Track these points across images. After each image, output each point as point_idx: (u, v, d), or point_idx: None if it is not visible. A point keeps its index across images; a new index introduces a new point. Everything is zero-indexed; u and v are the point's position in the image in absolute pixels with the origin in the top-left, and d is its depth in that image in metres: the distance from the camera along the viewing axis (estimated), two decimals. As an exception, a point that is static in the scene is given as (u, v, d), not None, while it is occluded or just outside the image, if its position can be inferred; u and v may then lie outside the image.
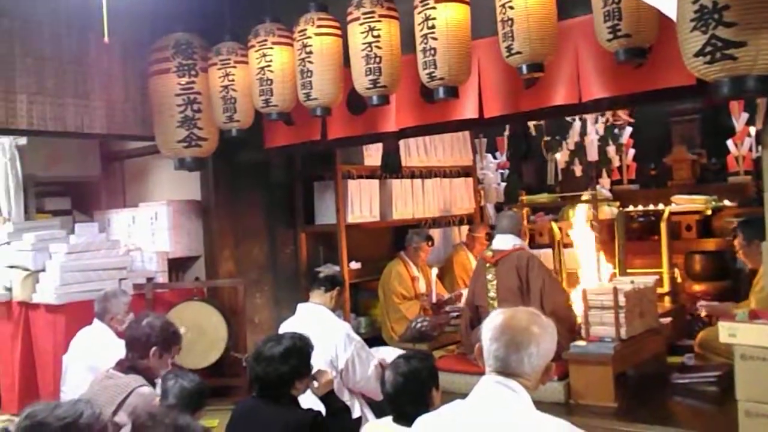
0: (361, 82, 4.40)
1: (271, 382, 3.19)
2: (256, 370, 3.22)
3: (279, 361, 3.19)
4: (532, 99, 4.40)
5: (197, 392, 3.44)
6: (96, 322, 4.82)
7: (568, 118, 7.95)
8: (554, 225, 6.89)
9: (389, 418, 2.94)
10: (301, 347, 3.29)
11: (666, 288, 6.25)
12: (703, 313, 5.58)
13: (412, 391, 2.78)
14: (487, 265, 5.10)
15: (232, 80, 4.99)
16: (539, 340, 2.13)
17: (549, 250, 6.85)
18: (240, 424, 3.16)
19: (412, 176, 7.09)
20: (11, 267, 5.82)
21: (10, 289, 5.79)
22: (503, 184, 8.48)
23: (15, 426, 2.23)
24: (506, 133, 8.06)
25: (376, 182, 6.70)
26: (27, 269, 5.66)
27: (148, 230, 6.22)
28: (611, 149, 8.38)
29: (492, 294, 5.00)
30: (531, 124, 7.55)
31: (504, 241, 5.12)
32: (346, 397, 4.30)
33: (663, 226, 6.55)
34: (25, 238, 5.77)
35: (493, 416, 2.07)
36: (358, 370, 4.28)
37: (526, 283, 4.88)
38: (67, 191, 7.11)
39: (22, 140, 6.29)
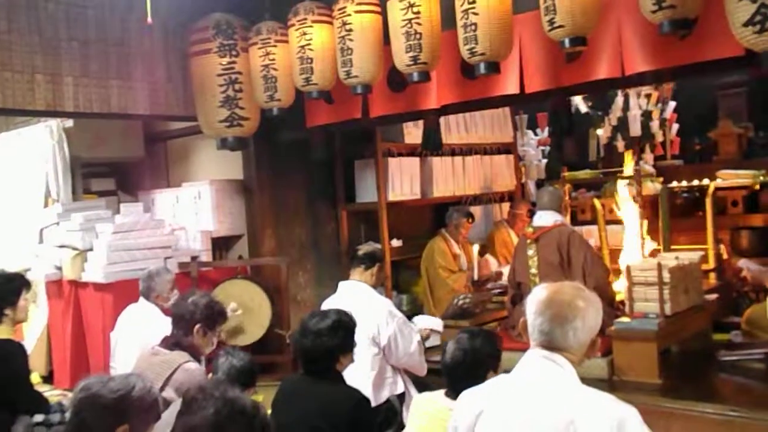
0: (401, 59, 4.39)
1: (316, 356, 3.20)
2: (303, 344, 3.23)
3: (325, 334, 3.20)
4: (574, 73, 4.35)
5: (247, 370, 3.48)
6: (142, 300, 4.92)
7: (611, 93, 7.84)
8: (596, 201, 6.81)
9: (441, 392, 2.95)
10: (346, 322, 3.31)
11: (711, 264, 6.14)
12: (743, 273, 5.46)
13: (469, 367, 2.76)
14: (528, 241, 5.08)
15: (273, 59, 5.01)
16: (584, 314, 2.12)
17: (591, 227, 6.79)
18: (286, 399, 3.19)
19: (453, 153, 7.06)
20: (61, 246, 5.96)
21: (60, 268, 5.94)
22: (544, 161, 8.40)
23: (71, 398, 2.30)
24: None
25: (416, 160, 6.69)
26: (76, 248, 5.79)
27: (192, 210, 6.31)
28: (654, 124, 8.22)
29: (533, 270, 4.98)
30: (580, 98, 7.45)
31: (545, 218, 5.09)
32: (388, 374, 4.34)
33: (708, 201, 6.43)
34: (73, 218, 5.90)
35: (538, 390, 2.07)
36: (400, 346, 4.31)
37: (567, 259, 4.84)
38: (112, 172, 7.25)
39: (69, 123, 6.41)
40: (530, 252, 5.03)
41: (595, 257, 5.03)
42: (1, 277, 4.21)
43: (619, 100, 7.93)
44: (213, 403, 1.94)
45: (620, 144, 8.27)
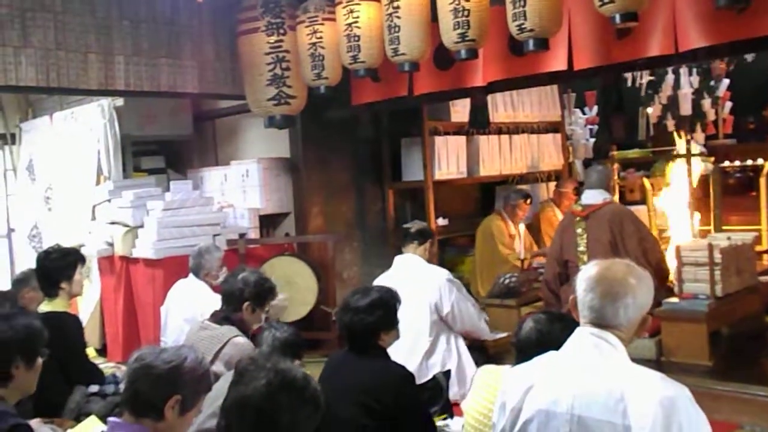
0: (449, 36, 4.36)
1: (357, 333, 3.22)
2: (344, 320, 3.26)
3: (363, 311, 3.22)
4: (624, 50, 4.28)
5: (291, 343, 3.49)
6: (191, 276, 4.99)
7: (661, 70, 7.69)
8: (646, 181, 6.72)
9: (507, 367, 2.94)
10: (387, 300, 3.31)
11: (765, 245, 6.03)
12: None
13: (540, 349, 2.73)
14: (577, 219, 5.03)
15: (320, 37, 5.02)
16: (636, 292, 2.09)
17: (639, 207, 6.69)
18: (332, 375, 3.22)
19: (500, 132, 7.01)
20: (112, 223, 6.08)
21: (111, 244, 6.06)
22: (592, 140, 8.29)
23: (126, 368, 2.35)
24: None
25: (463, 138, 6.66)
26: (127, 225, 5.90)
27: (240, 187, 6.38)
28: (706, 102, 8.05)
29: (581, 248, 4.93)
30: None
31: (594, 195, 5.04)
32: (442, 341, 4.39)
33: (762, 181, 6.31)
34: (124, 195, 6.01)
35: (588, 367, 2.06)
36: (464, 312, 4.40)
37: (620, 237, 4.78)
38: (161, 150, 7.35)
39: (119, 101, 6.51)
40: (579, 230, 4.98)
41: (649, 235, 4.99)
42: (57, 251, 4.30)
43: (670, 78, 7.78)
44: (265, 374, 1.97)
45: (670, 123, 8.12)
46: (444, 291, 4.39)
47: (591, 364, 2.06)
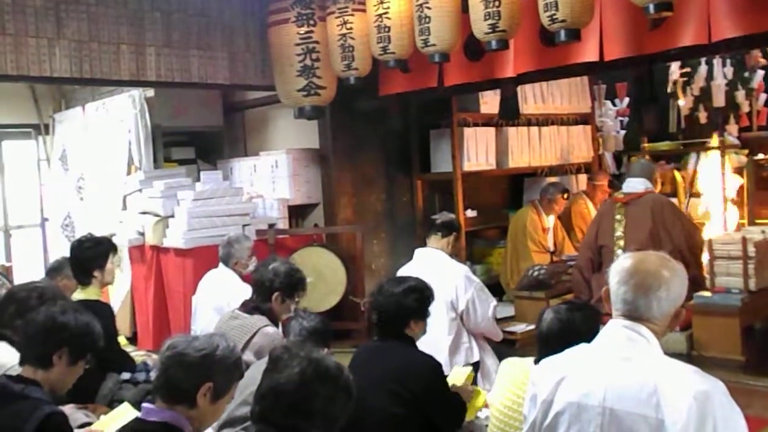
0: (479, 26, 4.33)
1: (388, 315, 3.23)
2: (376, 301, 3.27)
3: (398, 294, 3.24)
4: (657, 40, 4.23)
5: (319, 331, 3.50)
6: (221, 265, 5.03)
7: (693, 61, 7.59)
8: (677, 173, 6.64)
9: (531, 359, 2.94)
10: (422, 289, 3.33)
11: (799, 239, 5.93)
12: None
13: (563, 339, 2.72)
14: (617, 205, 5.00)
15: (350, 28, 5.02)
16: (669, 284, 2.07)
17: (670, 200, 6.62)
18: (363, 363, 3.23)
19: (529, 124, 6.96)
20: (143, 213, 6.14)
21: (142, 234, 6.12)
22: (622, 132, 8.21)
23: (158, 356, 2.38)
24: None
25: (492, 130, 6.62)
26: (157, 215, 5.96)
27: (269, 178, 6.41)
28: (740, 94, 7.93)
29: (618, 233, 4.89)
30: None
31: (636, 184, 5.02)
32: (464, 339, 4.36)
33: (799, 174, 6.20)
34: (155, 185, 6.07)
35: (621, 359, 2.04)
36: (479, 311, 4.34)
37: (662, 225, 4.74)
38: (191, 141, 7.41)
39: (150, 92, 6.56)
40: (618, 216, 4.95)
41: (692, 224, 4.95)
42: (89, 240, 4.35)
43: (703, 69, 7.68)
44: (298, 362, 1.99)
45: (702, 115, 8.02)
46: (460, 288, 4.33)
47: (623, 357, 2.04)
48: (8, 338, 3.21)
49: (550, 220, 6.37)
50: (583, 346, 2.20)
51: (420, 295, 3.29)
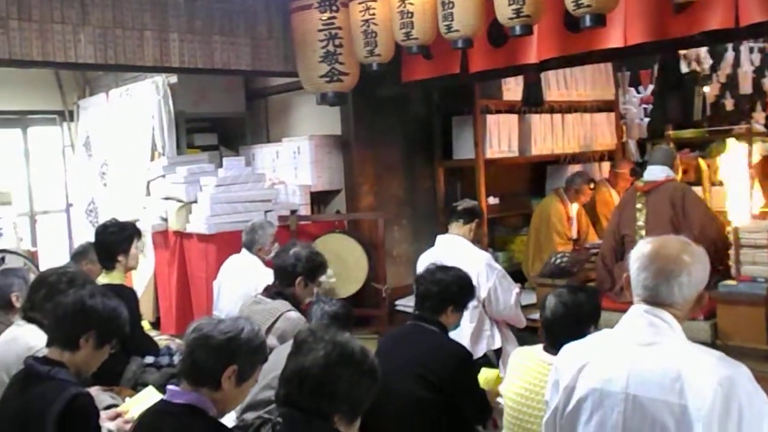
0: (503, 12, 4.29)
1: (431, 294, 3.24)
2: (424, 277, 3.33)
3: (449, 277, 3.26)
4: (682, 24, 4.16)
5: (340, 316, 3.51)
6: (244, 251, 5.06)
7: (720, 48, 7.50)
8: (701, 161, 6.57)
9: (539, 346, 2.94)
10: (469, 281, 3.41)
11: (826, 228, 5.84)
12: None
13: (570, 322, 2.72)
14: (638, 194, 4.96)
15: (373, 14, 4.99)
16: (691, 269, 2.05)
17: (694, 188, 6.54)
18: (392, 347, 3.23)
19: (552, 111, 6.91)
20: (166, 198, 6.18)
21: (165, 219, 6.17)
22: (646, 120, 8.14)
23: (184, 338, 2.40)
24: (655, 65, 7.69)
25: (515, 117, 6.59)
26: (180, 201, 6.00)
27: (291, 164, 6.43)
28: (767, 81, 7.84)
29: (640, 222, 4.86)
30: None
31: (656, 172, 4.95)
32: (486, 327, 4.36)
33: (825, 162, 6.11)
34: (178, 171, 6.11)
35: (643, 345, 2.03)
36: (501, 299, 4.33)
37: (682, 214, 4.70)
38: (214, 127, 7.43)
39: (173, 78, 6.59)
40: (639, 204, 4.91)
41: (711, 213, 4.89)
42: (114, 225, 4.38)
43: (729, 55, 7.59)
44: (323, 345, 2.00)
45: (728, 102, 7.94)
46: (482, 276, 4.32)
47: (646, 343, 2.03)
48: (38, 321, 3.25)
49: (573, 209, 6.33)
50: (604, 331, 2.19)
51: (466, 286, 3.32)
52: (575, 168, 7.19)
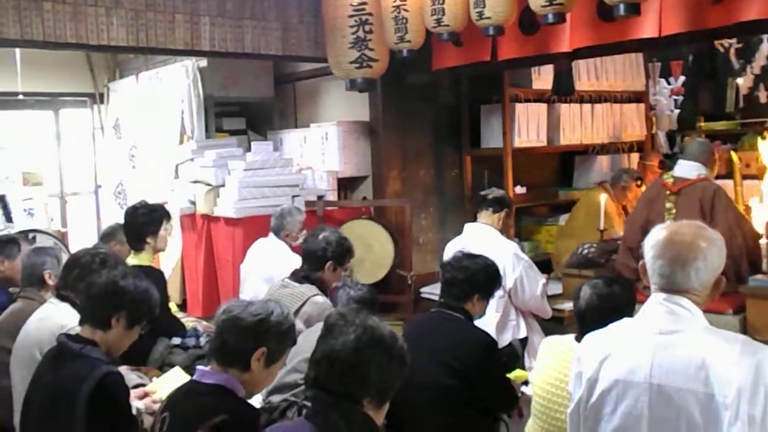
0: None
1: (456, 281, 3.24)
2: (451, 265, 3.32)
3: (476, 265, 3.26)
4: (719, 14, 4.10)
5: (366, 300, 3.51)
6: (272, 236, 5.08)
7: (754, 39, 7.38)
8: (733, 154, 6.48)
9: (571, 336, 2.92)
10: (496, 269, 3.39)
11: None
12: None
13: (603, 313, 2.69)
14: (668, 193, 4.87)
15: (404, 0, 4.98)
16: (706, 254, 2.02)
17: (726, 181, 6.46)
18: (417, 335, 3.24)
19: (581, 101, 6.86)
20: (195, 182, 6.22)
21: (193, 203, 6.21)
22: (677, 111, 8.05)
23: (214, 320, 2.42)
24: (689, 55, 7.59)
25: (544, 106, 6.54)
26: (209, 184, 6.03)
27: (319, 150, 6.43)
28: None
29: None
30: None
31: (687, 169, 4.83)
32: (512, 317, 4.35)
33: None
34: (206, 155, 6.14)
35: (665, 333, 2.01)
36: (527, 289, 4.31)
37: (710, 217, 4.60)
38: (242, 111, 7.46)
39: (203, 62, 6.62)
40: (668, 205, 4.81)
41: (741, 217, 4.78)
42: (144, 207, 4.41)
43: (765, 47, 7.47)
44: (354, 329, 2.00)
45: (762, 94, 7.82)
46: (508, 266, 4.30)
47: (667, 331, 2.01)
48: (71, 300, 3.29)
49: (602, 198, 6.25)
50: (625, 321, 2.18)
51: (493, 275, 3.32)
52: (603, 159, 7.13)
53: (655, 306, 2.06)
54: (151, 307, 2.83)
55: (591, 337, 2.23)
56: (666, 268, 2.03)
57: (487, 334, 3.24)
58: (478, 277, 3.28)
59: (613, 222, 6.14)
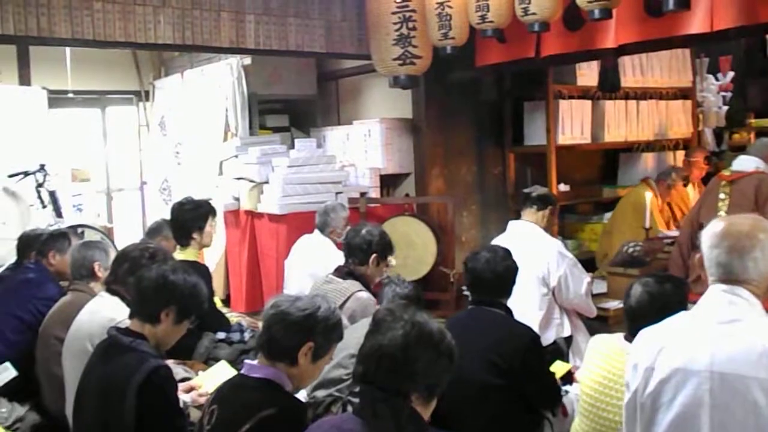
0: (582, -6, 4.22)
1: (485, 281, 3.23)
2: (472, 264, 3.29)
3: (496, 261, 3.24)
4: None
5: (411, 298, 3.50)
6: (316, 232, 5.11)
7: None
8: (784, 152, 6.34)
9: (620, 335, 2.89)
10: (516, 268, 3.34)
11: None
12: None
13: (654, 312, 2.65)
14: (722, 183, 4.82)
15: (448, -4, 4.96)
16: (764, 245, 2.02)
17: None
18: (460, 333, 3.23)
19: (627, 97, 6.77)
20: (239, 178, 6.28)
21: (237, 199, 6.27)
22: (725, 108, 7.89)
23: (262, 315, 2.44)
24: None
25: (588, 103, 6.47)
26: (252, 181, 6.09)
27: (362, 147, 6.45)
28: None
29: (721, 213, 4.72)
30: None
31: (745, 162, 4.81)
32: (556, 315, 4.31)
33: None
34: (250, 152, 6.19)
35: (724, 324, 2.00)
36: (571, 287, 4.27)
37: (762, 205, 4.55)
38: (285, 109, 7.51)
39: (247, 60, 6.68)
40: (722, 194, 4.78)
41: None
42: (190, 203, 4.47)
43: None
44: (402, 325, 2.01)
45: (815, 90, 7.63)
46: (552, 264, 4.28)
47: (727, 320, 2.01)
48: (120, 294, 3.35)
49: (647, 195, 6.18)
50: (682, 314, 2.17)
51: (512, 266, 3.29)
52: (649, 156, 7.04)
53: (714, 297, 2.07)
54: (200, 302, 2.85)
55: (647, 330, 2.22)
56: (724, 256, 2.05)
57: (531, 329, 3.21)
58: (506, 266, 3.27)
59: (655, 220, 6.06)
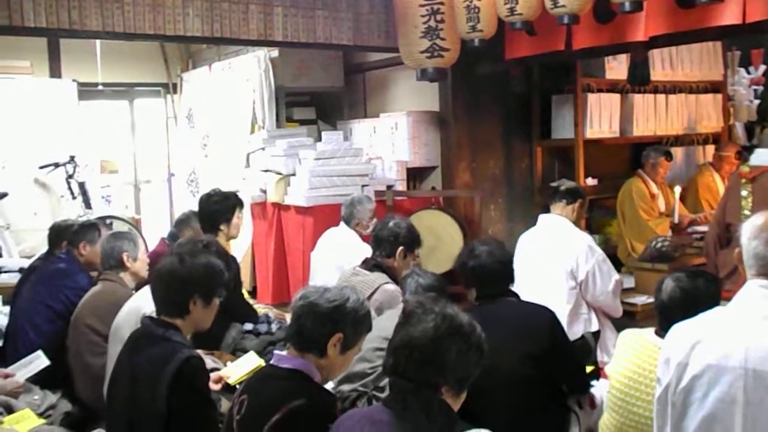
0: (613, -13, 4.18)
1: (494, 273, 3.19)
2: (476, 262, 3.21)
3: (496, 251, 3.22)
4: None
5: (434, 289, 3.47)
6: (342, 224, 5.11)
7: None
8: (816, 146, 6.26)
9: (650, 329, 2.87)
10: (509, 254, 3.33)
11: None
12: None
13: (686, 308, 2.63)
14: (743, 180, 4.77)
15: (477, -11, 4.94)
16: None
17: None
18: (485, 327, 3.21)
19: (656, 91, 6.70)
20: (266, 171, 6.31)
21: (264, 191, 6.30)
22: (756, 102, 7.79)
23: (291, 306, 2.46)
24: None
25: (617, 96, 6.42)
26: (279, 173, 6.11)
27: (389, 140, 6.45)
28: None
29: (746, 212, 4.67)
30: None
31: (764, 157, 4.75)
32: (583, 310, 4.29)
33: None
34: (277, 144, 6.22)
35: (759, 318, 1.97)
36: (598, 284, 4.24)
37: None
38: (312, 101, 7.53)
39: (275, 53, 6.71)
40: (744, 192, 4.73)
41: None
42: (218, 194, 4.51)
43: None
44: (432, 317, 2.01)
45: None
46: (581, 258, 4.23)
47: (763, 316, 1.98)
48: None
49: (676, 191, 6.13)
50: (717, 309, 2.15)
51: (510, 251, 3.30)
52: (678, 150, 6.96)
53: (751, 291, 2.05)
54: (217, 277, 2.81)
55: (680, 324, 2.20)
56: (761, 248, 2.03)
57: (544, 306, 3.16)
58: (502, 263, 3.24)
59: (646, 204, 6.11)
